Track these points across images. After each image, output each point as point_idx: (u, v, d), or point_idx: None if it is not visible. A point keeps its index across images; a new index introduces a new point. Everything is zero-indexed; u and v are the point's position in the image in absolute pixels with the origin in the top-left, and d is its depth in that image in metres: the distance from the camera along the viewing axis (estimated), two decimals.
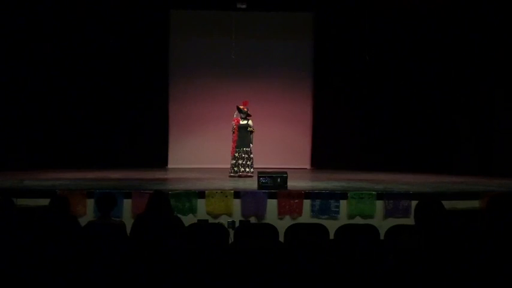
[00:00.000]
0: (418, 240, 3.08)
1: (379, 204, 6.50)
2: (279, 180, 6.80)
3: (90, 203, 6.22)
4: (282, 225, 4.76)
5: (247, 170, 8.86)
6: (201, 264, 3.22)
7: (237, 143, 8.98)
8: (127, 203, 6.30)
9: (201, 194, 6.49)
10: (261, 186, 6.78)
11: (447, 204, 3.25)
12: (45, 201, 4.41)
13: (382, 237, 4.35)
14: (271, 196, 6.53)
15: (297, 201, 6.45)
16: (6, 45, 10.25)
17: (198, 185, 7.34)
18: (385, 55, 11.08)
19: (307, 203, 6.47)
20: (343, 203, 6.47)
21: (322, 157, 11.32)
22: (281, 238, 4.38)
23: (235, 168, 8.90)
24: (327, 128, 11.34)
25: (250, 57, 11.37)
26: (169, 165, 11.37)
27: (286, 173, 7.01)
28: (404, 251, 3.09)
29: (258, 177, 6.89)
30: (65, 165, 10.03)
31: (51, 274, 3.22)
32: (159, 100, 11.38)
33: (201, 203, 6.44)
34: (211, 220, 6.23)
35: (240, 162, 8.89)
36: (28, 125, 10.66)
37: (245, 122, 9.06)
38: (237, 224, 6.05)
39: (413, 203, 6.31)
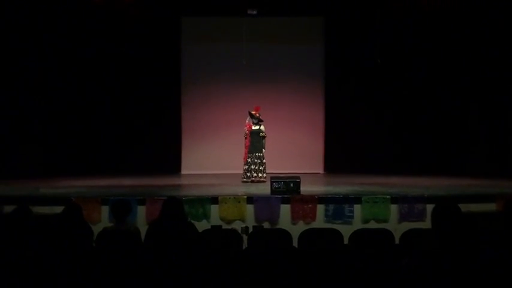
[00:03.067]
0: (434, 244, 3.05)
1: (394, 208, 6.45)
2: (292, 185, 6.79)
3: (105, 209, 6.27)
4: (296, 230, 4.75)
5: (259, 175, 8.88)
6: (215, 269, 3.23)
7: (250, 148, 9.02)
8: (141, 210, 6.34)
9: (214, 200, 6.51)
10: (274, 191, 6.77)
11: (462, 207, 3.20)
12: (60, 209, 4.44)
13: (397, 241, 4.32)
14: (285, 201, 6.52)
15: (310, 206, 6.43)
16: (21, 55, 10.41)
17: (211, 191, 7.36)
18: (397, 57, 11.02)
19: (320, 207, 6.45)
20: (357, 208, 6.44)
21: (335, 161, 11.27)
22: (295, 243, 4.37)
23: (248, 174, 8.92)
24: (339, 131, 11.29)
25: (262, 63, 11.38)
26: (183, 172, 11.41)
27: (299, 177, 7.00)
28: (420, 255, 3.06)
29: (271, 182, 6.88)
30: (79, 173, 10.13)
31: (67, 281, 3.24)
32: (171, 106, 11.44)
33: (214, 209, 6.46)
34: (224, 226, 6.24)
35: (252, 167, 8.92)
36: (43, 134, 10.79)
37: (257, 127, 9.09)
38: (250, 230, 6.04)
39: (429, 206, 6.26)
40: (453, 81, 10.83)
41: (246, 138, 9.13)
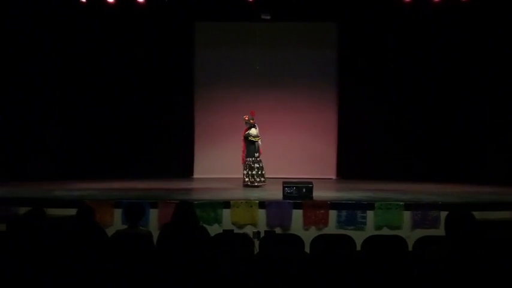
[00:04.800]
0: (447, 251, 3.02)
1: (407, 214, 6.40)
2: (304, 190, 6.77)
3: (118, 212, 6.31)
4: (308, 235, 4.73)
5: (246, 179, 8.95)
6: (226, 274, 3.23)
7: (246, 153, 9.16)
8: (153, 213, 6.38)
9: (226, 204, 6.52)
10: (286, 196, 6.76)
11: (477, 215, 3.17)
12: (74, 211, 4.49)
13: (410, 248, 4.28)
14: (297, 206, 6.51)
15: (322, 211, 6.41)
16: (35, 61, 10.55)
17: (223, 195, 7.38)
18: (410, 63, 10.95)
19: (333, 213, 6.42)
20: (369, 214, 6.40)
21: (348, 167, 11.21)
22: (307, 249, 4.34)
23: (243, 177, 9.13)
24: (352, 137, 11.23)
25: (275, 68, 11.38)
26: (195, 175, 11.44)
27: (311, 183, 6.98)
28: (433, 263, 3.03)
29: (283, 187, 6.87)
30: (92, 176, 10.21)
31: (79, 283, 3.27)
32: (184, 110, 11.49)
33: (226, 213, 6.47)
34: (236, 230, 6.24)
35: (244, 172, 9.07)
36: (57, 137, 10.90)
37: (248, 132, 9.19)
38: (262, 235, 6.04)
39: (442, 213, 6.20)
40: (468, 88, 10.72)
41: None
